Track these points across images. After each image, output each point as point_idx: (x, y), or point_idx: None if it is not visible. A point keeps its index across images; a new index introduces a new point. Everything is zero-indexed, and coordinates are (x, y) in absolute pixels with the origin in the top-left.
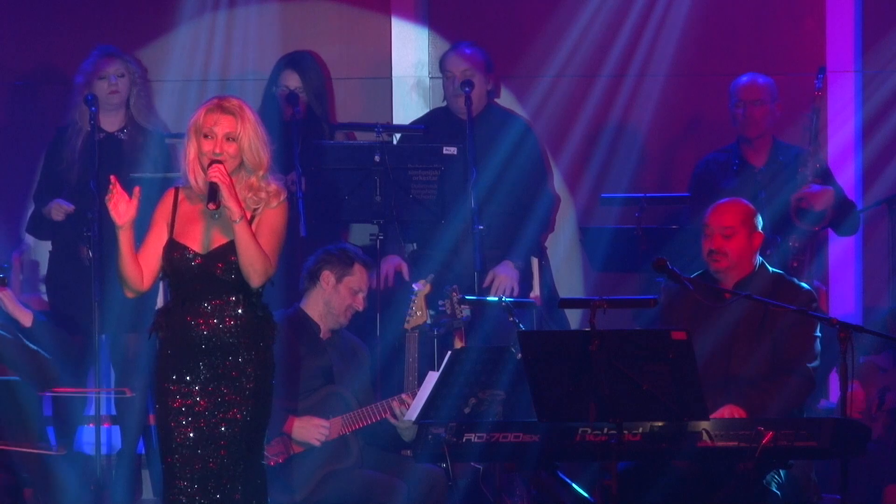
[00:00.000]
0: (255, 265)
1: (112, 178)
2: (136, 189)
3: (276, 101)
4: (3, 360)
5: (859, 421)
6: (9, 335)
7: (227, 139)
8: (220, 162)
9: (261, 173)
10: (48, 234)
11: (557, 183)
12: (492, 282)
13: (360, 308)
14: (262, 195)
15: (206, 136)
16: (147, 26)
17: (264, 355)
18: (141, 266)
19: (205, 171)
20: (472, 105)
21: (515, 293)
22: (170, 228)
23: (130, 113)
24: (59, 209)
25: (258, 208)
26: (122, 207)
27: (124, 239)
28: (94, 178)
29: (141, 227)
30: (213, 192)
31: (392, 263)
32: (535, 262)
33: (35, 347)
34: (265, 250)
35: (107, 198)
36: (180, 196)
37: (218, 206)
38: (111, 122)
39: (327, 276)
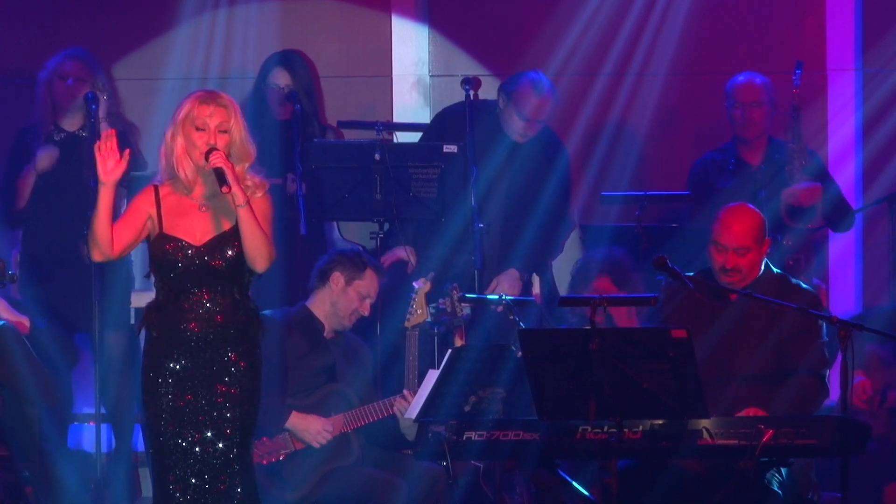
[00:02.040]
0: (260, 249)
1: (111, 131)
2: (127, 151)
3: (264, 99)
4: (13, 375)
5: (860, 419)
6: (22, 350)
7: (220, 131)
8: (217, 150)
9: (246, 165)
10: (19, 225)
11: None
12: (494, 289)
13: (366, 314)
14: (248, 184)
15: (198, 129)
16: (147, 24)
17: (255, 351)
18: (113, 232)
19: (195, 162)
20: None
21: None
22: (158, 223)
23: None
24: (46, 157)
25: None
26: (110, 163)
27: (106, 196)
28: (93, 177)
29: None
30: (221, 177)
31: (399, 253)
32: None
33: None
34: None
35: (96, 146)
36: (161, 192)
37: (230, 190)
38: (71, 122)
39: (337, 278)
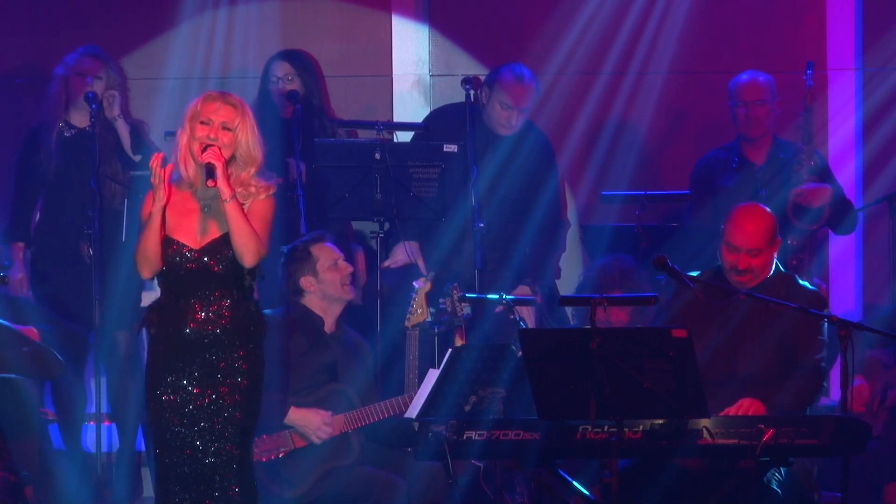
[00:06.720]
0: (248, 244)
1: (161, 154)
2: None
3: (270, 98)
4: (6, 367)
5: (860, 419)
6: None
7: (224, 128)
8: (214, 145)
9: (252, 171)
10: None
11: None
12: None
13: (349, 270)
14: (252, 190)
15: (202, 123)
16: (148, 24)
17: (256, 351)
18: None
19: (193, 155)
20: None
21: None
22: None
23: (101, 111)
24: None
25: (246, 203)
26: (163, 192)
27: (161, 218)
28: (94, 176)
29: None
30: (210, 171)
31: (408, 253)
32: None
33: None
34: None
35: (156, 177)
36: None
37: (216, 184)
38: (81, 118)
39: (307, 281)
